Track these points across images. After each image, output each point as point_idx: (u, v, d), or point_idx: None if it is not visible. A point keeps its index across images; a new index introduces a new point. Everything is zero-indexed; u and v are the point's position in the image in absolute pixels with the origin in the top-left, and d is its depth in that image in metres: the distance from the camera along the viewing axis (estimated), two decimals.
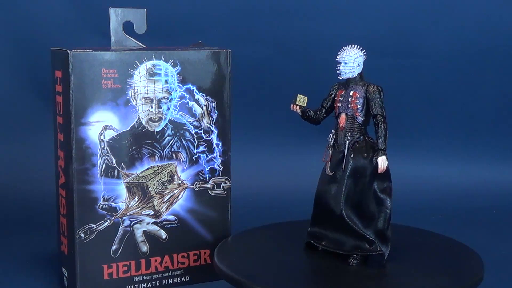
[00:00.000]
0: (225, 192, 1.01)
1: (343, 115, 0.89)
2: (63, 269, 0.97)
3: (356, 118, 0.88)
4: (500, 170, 1.50)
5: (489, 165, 1.51)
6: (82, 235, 0.93)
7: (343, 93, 0.89)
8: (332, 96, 0.90)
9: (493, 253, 1.10)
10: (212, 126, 0.99)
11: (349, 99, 0.88)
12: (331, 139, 0.89)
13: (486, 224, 1.29)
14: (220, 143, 0.99)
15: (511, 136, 1.53)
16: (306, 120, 0.92)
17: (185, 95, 0.96)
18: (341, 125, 0.89)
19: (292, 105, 0.90)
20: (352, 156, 0.88)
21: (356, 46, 0.89)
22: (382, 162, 0.86)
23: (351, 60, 0.88)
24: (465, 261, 0.89)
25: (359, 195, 0.88)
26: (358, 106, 0.88)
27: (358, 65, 0.88)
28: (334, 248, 0.89)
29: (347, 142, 0.88)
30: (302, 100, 0.89)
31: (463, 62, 1.50)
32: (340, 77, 0.89)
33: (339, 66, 0.88)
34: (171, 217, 0.98)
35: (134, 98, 0.93)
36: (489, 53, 1.51)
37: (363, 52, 0.89)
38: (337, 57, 0.88)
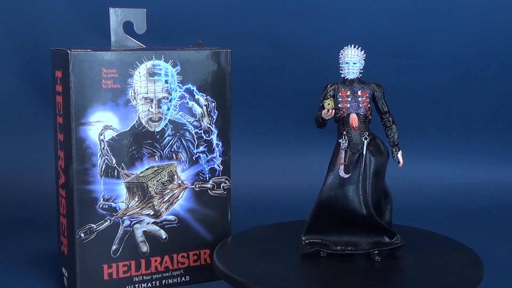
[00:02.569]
0: (225, 192, 1.01)
1: (353, 116, 0.88)
2: (63, 269, 0.97)
3: (367, 117, 0.88)
4: (500, 170, 1.50)
5: (489, 165, 1.51)
6: (82, 235, 0.93)
7: (348, 93, 0.89)
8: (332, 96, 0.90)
9: (493, 253, 1.10)
10: (212, 126, 0.99)
11: (359, 99, 0.88)
12: (345, 141, 0.89)
13: (486, 224, 1.29)
14: (220, 143, 0.99)
15: (511, 136, 1.53)
16: (322, 125, 0.89)
17: (185, 95, 0.96)
18: (354, 125, 0.88)
19: (329, 110, 0.87)
20: (373, 155, 0.88)
21: (355, 45, 0.89)
22: (402, 157, 0.89)
23: (358, 60, 0.88)
24: (465, 261, 0.89)
25: (377, 192, 0.88)
26: (369, 105, 0.88)
27: (362, 64, 0.89)
28: (351, 250, 0.88)
29: (365, 141, 0.88)
30: (333, 103, 0.87)
31: (463, 62, 1.51)
32: (349, 77, 0.89)
33: (347, 67, 0.88)
34: (171, 217, 0.98)
35: (134, 98, 0.93)
36: (489, 53, 1.51)
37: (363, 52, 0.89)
38: (344, 58, 0.88)
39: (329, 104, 0.86)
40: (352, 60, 0.88)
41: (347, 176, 0.88)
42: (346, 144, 0.88)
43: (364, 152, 0.88)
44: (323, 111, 0.87)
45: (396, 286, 0.85)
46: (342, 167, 0.88)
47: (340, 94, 0.89)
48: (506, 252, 1.14)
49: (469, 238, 1.03)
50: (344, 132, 0.88)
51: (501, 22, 1.50)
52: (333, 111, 0.87)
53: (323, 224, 0.89)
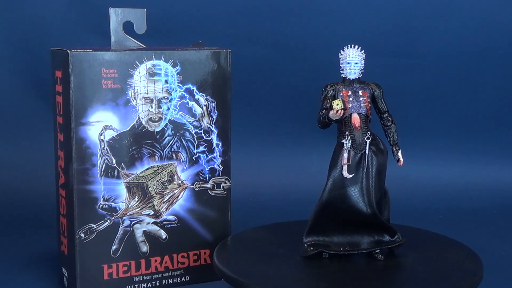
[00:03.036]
0: (225, 192, 1.01)
1: (355, 116, 0.88)
2: (63, 269, 0.97)
3: (368, 117, 0.89)
4: (500, 170, 1.50)
5: (489, 165, 1.51)
6: (82, 235, 0.93)
7: (349, 93, 0.89)
8: (333, 96, 0.89)
9: (493, 253, 1.10)
10: (212, 126, 0.99)
11: (361, 99, 0.88)
12: (348, 141, 0.88)
13: (486, 224, 1.29)
14: (220, 143, 0.99)
15: (511, 136, 1.53)
16: (327, 126, 0.89)
17: (185, 95, 0.96)
18: (357, 125, 0.88)
19: (338, 111, 0.86)
20: (375, 154, 0.88)
21: (355, 45, 0.89)
22: (402, 155, 0.90)
23: (360, 60, 0.88)
24: (465, 261, 0.89)
25: (379, 191, 0.89)
26: (370, 105, 0.89)
27: (363, 64, 0.89)
28: (353, 250, 0.89)
29: (368, 141, 0.88)
30: (342, 103, 0.87)
31: (463, 62, 1.51)
32: (350, 77, 0.88)
33: (348, 67, 0.88)
34: (171, 217, 0.98)
35: (134, 98, 0.93)
36: (489, 53, 1.51)
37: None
38: (346, 58, 0.88)
39: (338, 104, 0.86)
40: (353, 60, 0.88)
41: (350, 176, 0.88)
42: (350, 144, 0.88)
43: (367, 152, 0.88)
44: (331, 112, 0.86)
45: (395, 286, 0.85)
46: (345, 167, 0.88)
47: (341, 94, 0.89)
48: (506, 252, 1.14)
49: (469, 238, 1.03)
50: (347, 132, 0.88)
51: (501, 22, 1.50)
52: (342, 111, 0.87)
53: (325, 225, 0.89)
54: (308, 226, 0.89)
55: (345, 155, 0.88)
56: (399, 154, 0.91)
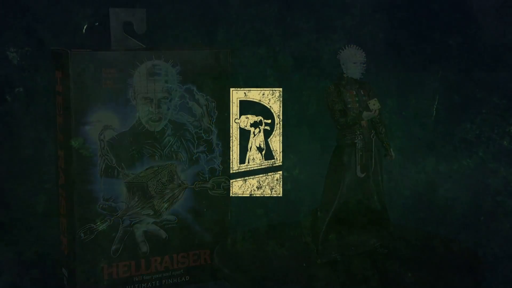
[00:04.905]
0: (225, 192, 1.01)
1: None
2: (63, 269, 0.97)
3: None
4: (500, 170, 1.50)
5: (489, 165, 1.50)
6: (82, 235, 0.93)
7: (354, 93, 0.89)
8: (340, 97, 0.89)
9: (493, 253, 1.10)
10: (212, 126, 0.99)
11: (364, 98, 0.88)
12: (361, 140, 0.88)
13: (486, 224, 1.29)
14: (220, 143, 0.99)
15: (511, 135, 1.53)
16: (351, 127, 0.89)
17: (185, 95, 0.96)
18: (365, 124, 0.88)
19: (376, 110, 0.86)
20: (378, 151, 0.88)
21: (356, 46, 0.89)
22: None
23: (364, 60, 0.89)
24: (465, 261, 0.89)
25: (383, 186, 0.90)
26: None
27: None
28: (363, 248, 0.89)
29: (373, 139, 0.88)
30: (378, 103, 0.87)
31: (463, 62, 1.50)
32: (355, 77, 0.88)
33: (354, 66, 0.88)
34: (171, 217, 0.98)
35: (134, 98, 0.93)
36: (489, 52, 1.50)
37: None
38: (352, 57, 0.88)
39: (374, 104, 0.86)
40: (360, 60, 0.88)
41: (363, 175, 0.88)
42: (361, 144, 0.88)
43: (373, 149, 0.88)
44: (365, 113, 0.86)
45: (395, 286, 0.85)
46: (359, 167, 0.88)
47: (348, 94, 0.88)
48: (506, 252, 1.14)
49: (469, 238, 1.03)
50: (358, 132, 0.88)
51: (501, 22, 1.50)
52: (378, 110, 0.87)
53: (338, 227, 0.89)
54: (323, 231, 0.89)
55: (359, 154, 0.88)
56: (391, 150, 0.91)
